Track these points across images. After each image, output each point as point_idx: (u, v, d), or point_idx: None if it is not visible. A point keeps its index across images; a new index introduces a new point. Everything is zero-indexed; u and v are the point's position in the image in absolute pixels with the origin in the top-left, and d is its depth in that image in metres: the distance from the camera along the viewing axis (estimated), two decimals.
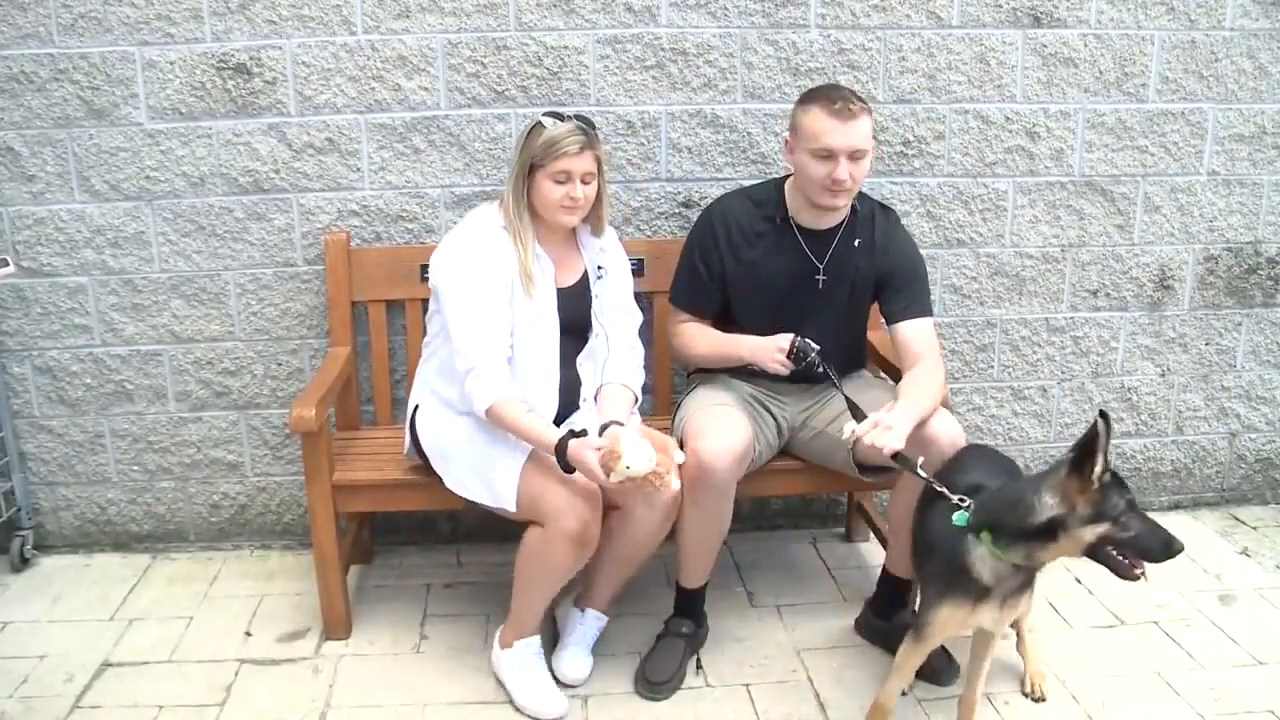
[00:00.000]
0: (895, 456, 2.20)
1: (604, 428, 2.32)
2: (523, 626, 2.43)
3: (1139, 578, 1.94)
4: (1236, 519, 3.38)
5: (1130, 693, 2.45)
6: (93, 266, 2.94)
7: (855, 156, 2.38)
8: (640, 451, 2.11)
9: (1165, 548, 1.91)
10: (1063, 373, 3.26)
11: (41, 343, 2.99)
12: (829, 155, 2.37)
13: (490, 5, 2.82)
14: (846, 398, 2.37)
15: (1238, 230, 3.21)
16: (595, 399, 2.53)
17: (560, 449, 2.23)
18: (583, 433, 2.28)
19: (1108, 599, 2.84)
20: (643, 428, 2.28)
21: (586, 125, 2.37)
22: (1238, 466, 3.43)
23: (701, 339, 2.60)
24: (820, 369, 2.38)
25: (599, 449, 2.17)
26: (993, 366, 3.23)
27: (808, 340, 2.40)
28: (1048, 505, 1.90)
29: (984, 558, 2.02)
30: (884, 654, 2.56)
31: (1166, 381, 3.31)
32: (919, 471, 2.17)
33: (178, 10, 2.77)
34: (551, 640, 2.56)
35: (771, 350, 2.43)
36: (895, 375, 2.66)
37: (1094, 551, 1.93)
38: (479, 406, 2.31)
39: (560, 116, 2.35)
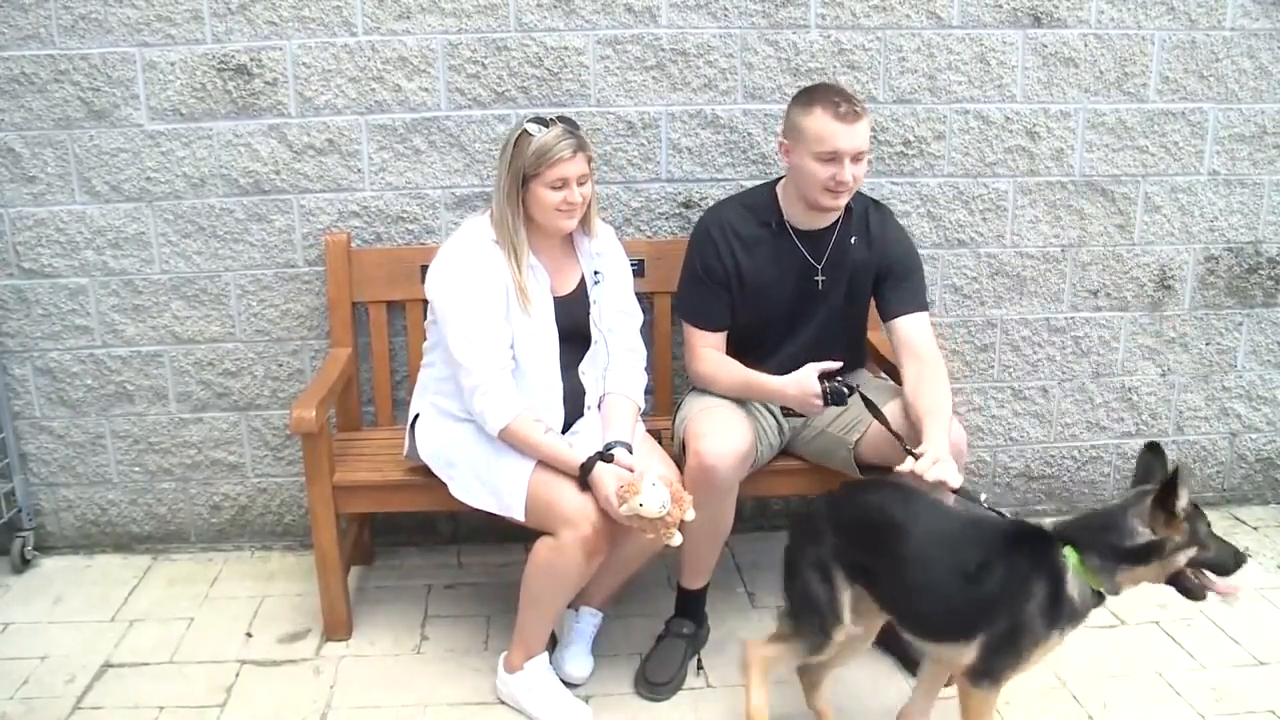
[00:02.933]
0: (957, 491, 2.15)
1: (608, 447, 2.32)
2: (531, 646, 2.39)
3: (1205, 596, 2.00)
4: (1237, 519, 3.37)
5: (1131, 693, 2.45)
6: (93, 268, 2.94)
7: (857, 158, 2.39)
8: (656, 496, 2.15)
9: (1235, 559, 2.00)
10: (1063, 373, 3.26)
11: (42, 344, 2.99)
12: (834, 158, 2.36)
13: (490, 6, 2.82)
14: (874, 408, 2.34)
15: (1238, 230, 3.21)
16: (599, 406, 2.52)
17: (585, 470, 2.24)
18: (609, 457, 2.27)
19: (1108, 599, 2.83)
20: (667, 476, 2.26)
21: (573, 127, 2.33)
22: (1238, 466, 3.43)
23: (724, 375, 2.52)
24: (849, 395, 2.34)
25: (620, 481, 2.18)
26: (993, 366, 3.23)
27: (839, 382, 2.34)
28: (1142, 532, 1.95)
29: (1072, 579, 2.01)
30: (883, 655, 2.56)
31: (1167, 381, 3.31)
32: (982, 502, 2.13)
33: (178, 11, 2.77)
34: (547, 644, 2.55)
35: (809, 397, 2.34)
36: (895, 375, 2.66)
37: (1177, 574, 1.99)
38: (492, 427, 2.30)
39: (544, 122, 2.31)
